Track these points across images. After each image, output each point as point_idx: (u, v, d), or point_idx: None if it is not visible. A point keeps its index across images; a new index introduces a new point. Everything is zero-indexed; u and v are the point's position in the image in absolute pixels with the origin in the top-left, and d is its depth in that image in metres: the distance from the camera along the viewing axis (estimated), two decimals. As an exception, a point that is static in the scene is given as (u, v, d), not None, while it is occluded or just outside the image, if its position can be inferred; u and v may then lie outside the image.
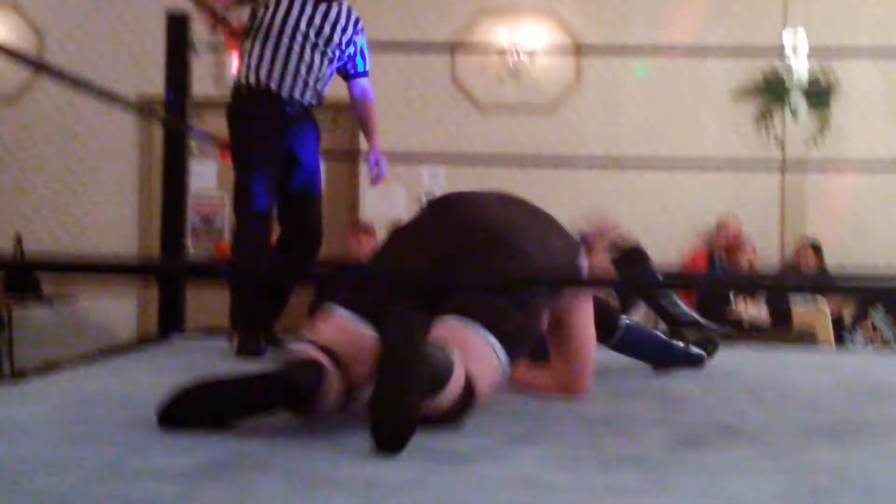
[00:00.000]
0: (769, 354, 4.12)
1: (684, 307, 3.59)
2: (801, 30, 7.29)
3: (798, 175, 7.38)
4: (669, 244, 7.35)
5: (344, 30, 3.84)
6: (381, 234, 7.02)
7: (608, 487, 1.69)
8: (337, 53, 3.84)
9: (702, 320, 3.56)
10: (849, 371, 3.20)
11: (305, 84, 3.72)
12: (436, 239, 2.40)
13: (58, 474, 1.68)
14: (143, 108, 6.46)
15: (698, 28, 7.38)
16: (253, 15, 3.77)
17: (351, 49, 3.92)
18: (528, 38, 7.47)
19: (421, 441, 1.99)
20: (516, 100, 7.57)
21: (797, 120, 7.32)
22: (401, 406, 1.84)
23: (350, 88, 4.04)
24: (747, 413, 2.54)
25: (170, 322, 4.12)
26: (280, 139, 3.71)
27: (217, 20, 3.71)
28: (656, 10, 7.47)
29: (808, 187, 7.41)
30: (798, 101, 7.35)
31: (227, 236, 7.50)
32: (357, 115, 4.13)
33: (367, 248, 6.83)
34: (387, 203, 7.57)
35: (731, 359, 3.58)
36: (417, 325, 1.90)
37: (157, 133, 5.31)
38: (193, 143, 4.22)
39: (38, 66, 2.18)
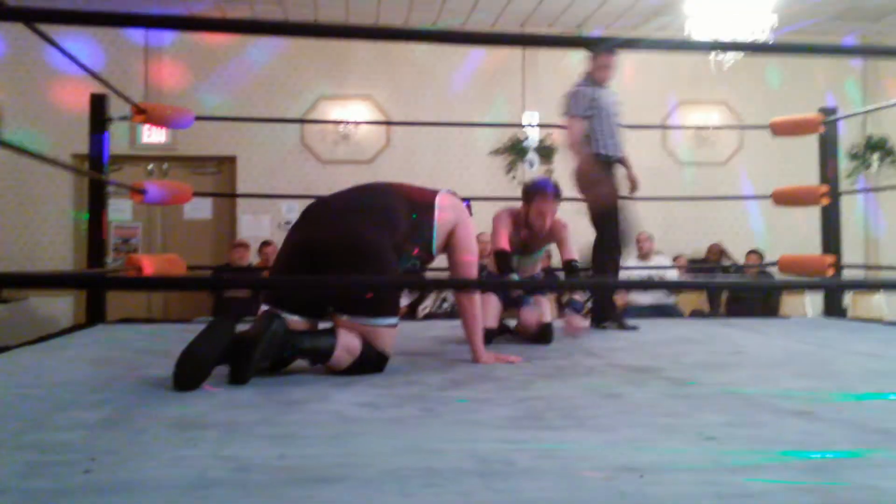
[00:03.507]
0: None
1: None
2: (535, 111, 7.58)
3: (533, 206, 7.60)
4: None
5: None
6: (254, 250, 6.88)
7: (396, 418, 1.69)
8: None
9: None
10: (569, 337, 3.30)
11: (618, 146, 3.96)
12: (299, 252, 2.34)
13: (-4, 428, 1.56)
14: (74, 164, 6.07)
15: (469, 108, 7.53)
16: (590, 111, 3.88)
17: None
18: (354, 115, 7.42)
19: (271, 392, 1.95)
20: (346, 156, 7.51)
21: (533, 169, 7.56)
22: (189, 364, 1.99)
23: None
24: (495, 364, 2.58)
25: (95, 315, 3.88)
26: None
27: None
28: (439, 97, 7.58)
29: (540, 214, 7.65)
30: (533, 157, 7.61)
31: (139, 252, 7.16)
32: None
33: (243, 258, 6.65)
34: (258, 227, 7.41)
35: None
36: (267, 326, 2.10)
37: (86, 180, 5.01)
38: (112, 188, 3.98)
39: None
